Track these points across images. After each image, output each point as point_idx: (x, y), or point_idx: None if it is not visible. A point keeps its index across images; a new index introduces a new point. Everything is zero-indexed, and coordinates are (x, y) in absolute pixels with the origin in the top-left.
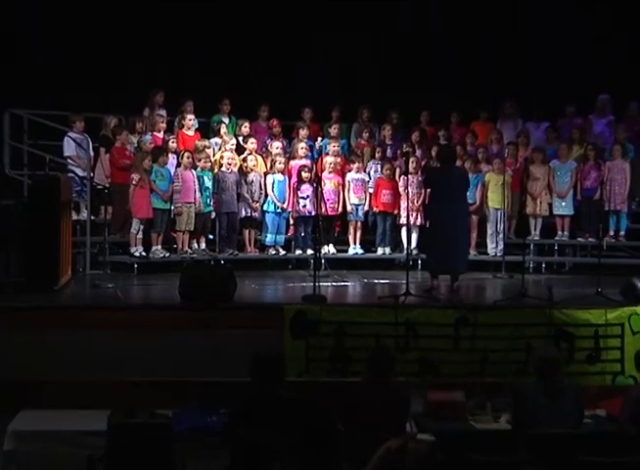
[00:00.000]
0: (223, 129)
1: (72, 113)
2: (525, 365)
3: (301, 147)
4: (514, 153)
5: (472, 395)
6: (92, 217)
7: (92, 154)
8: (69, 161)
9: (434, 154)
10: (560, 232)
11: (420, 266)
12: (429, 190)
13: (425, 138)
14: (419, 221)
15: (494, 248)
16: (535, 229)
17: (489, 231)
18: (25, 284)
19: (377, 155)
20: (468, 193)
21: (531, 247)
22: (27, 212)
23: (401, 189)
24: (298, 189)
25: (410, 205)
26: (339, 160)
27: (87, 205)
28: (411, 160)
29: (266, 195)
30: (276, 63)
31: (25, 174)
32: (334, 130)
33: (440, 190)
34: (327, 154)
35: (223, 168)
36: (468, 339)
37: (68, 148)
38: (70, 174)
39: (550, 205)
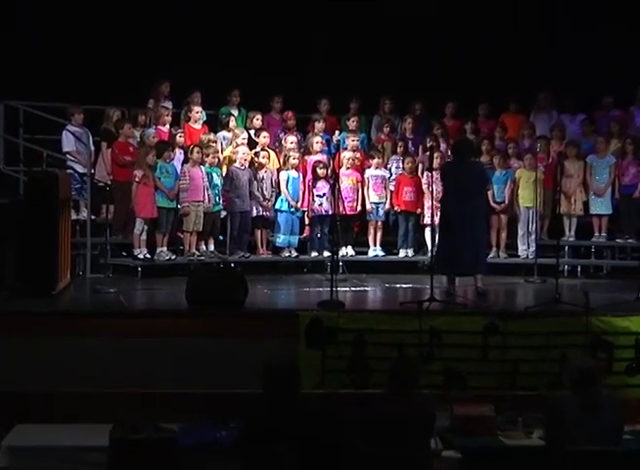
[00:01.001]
0: (232, 122)
1: (72, 104)
2: (559, 377)
3: (317, 141)
4: (546, 147)
5: (501, 409)
6: (92, 217)
7: (92, 149)
8: (68, 156)
9: None
10: (597, 233)
11: None
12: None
13: (447, 131)
14: None
15: (526, 250)
16: (570, 230)
17: (520, 232)
18: (21, 288)
19: (398, 149)
20: (496, 191)
21: (566, 249)
22: (23, 212)
23: (425, 186)
24: (314, 186)
25: (434, 203)
26: (358, 155)
27: (87, 203)
28: (435, 155)
29: (279, 193)
30: (290, 50)
31: (21, 171)
32: (352, 123)
33: (453, 186)
34: (345, 148)
35: (237, 164)
36: (497, 348)
37: (67, 142)
38: (69, 171)
39: (586, 203)
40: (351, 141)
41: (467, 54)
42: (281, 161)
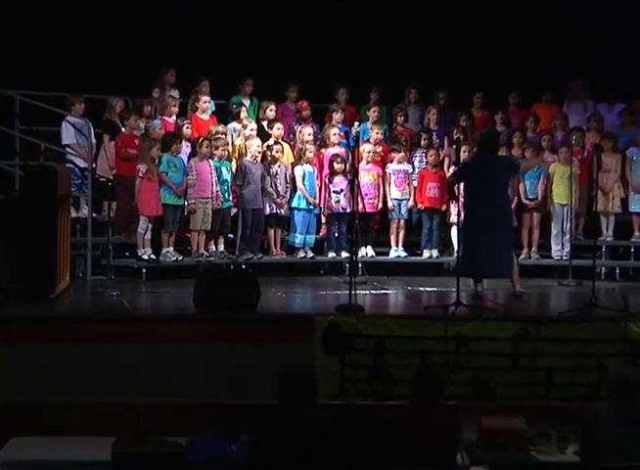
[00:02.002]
0: (243, 113)
1: (72, 94)
2: (595, 388)
3: (334, 133)
4: (582, 140)
5: (533, 421)
6: (94, 215)
7: (94, 141)
8: (68, 149)
9: None
10: (636, 232)
11: None
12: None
13: (473, 123)
14: None
15: (560, 250)
16: (607, 229)
17: (554, 231)
18: (17, 291)
19: (422, 142)
20: (528, 187)
21: (603, 249)
22: (19, 209)
23: None
24: (331, 182)
25: (462, 200)
26: (379, 148)
27: (88, 200)
28: (462, 148)
29: (293, 189)
30: (305, 36)
31: (17, 165)
32: (374, 114)
33: (475, 183)
34: (367, 140)
35: (248, 157)
36: (529, 356)
37: (67, 134)
38: (69, 165)
39: (624, 200)
40: (375, 133)
41: (496, 40)
42: (295, 154)
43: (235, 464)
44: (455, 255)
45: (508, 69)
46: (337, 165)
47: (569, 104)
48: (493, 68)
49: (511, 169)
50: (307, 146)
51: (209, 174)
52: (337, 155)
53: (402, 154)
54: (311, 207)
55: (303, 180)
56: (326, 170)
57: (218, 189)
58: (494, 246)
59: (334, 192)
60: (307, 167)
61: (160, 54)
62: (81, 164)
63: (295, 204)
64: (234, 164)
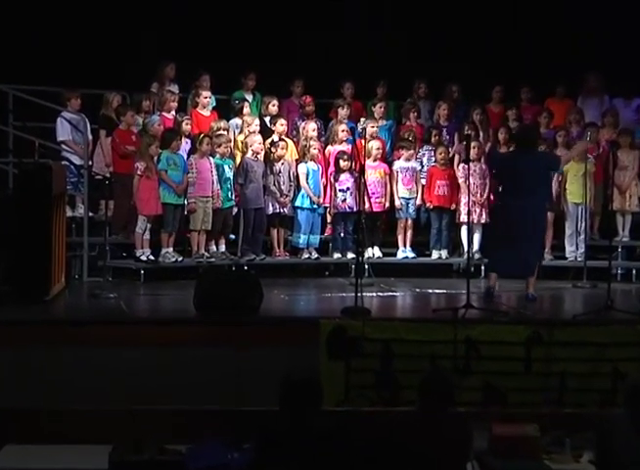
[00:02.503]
0: (246, 108)
1: (67, 89)
2: (611, 393)
3: (342, 129)
4: (597, 136)
5: (547, 429)
6: (90, 214)
7: (90, 138)
8: (63, 146)
9: (501, 137)
10: None
11: (483, 273)
12: (495, 180)
13: (488, 118)
14: (483, 219)
15: (574, 251)
16: (624, 229)
17: (568, 231)
18: (10, 294)
19: (433, 139)
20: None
21: (619, 250)
22: (13, 208)
23: (461, 180)
24: (337, 180)
25: (472, 199)
26: (378, 144)
27: (84, 199)
28: (473, 144)
29: (297, 188)
30: (309, 29)
31: (11, 162)
32: (379, 109)
33: (510, 180)
34: (375, 137)
35: (249, 155)
36: (542, 361)
37: (62, 131)
38: (64, 162)
39: None
40: (370, 127)
41: (508, 32)
42: (299, 151)
43: None
44: (465, 255)
45: (520, 62)
46: (343, 163)
47: (583, 99)
48: (504, 61)
49: (551, 165)
50: (311, 142)
51: (210, 172)
52: (343, 152)
53: (410, 151)
54: (315, 206)
55: (307, 178)
56: (332, 168)
57: (219, 187)
58: (527, 246)
59: (340, 190)
60: (311, 165)
61: (160, 47)
62: (77, 161)
63: (298, 203)
64: (238, 159)
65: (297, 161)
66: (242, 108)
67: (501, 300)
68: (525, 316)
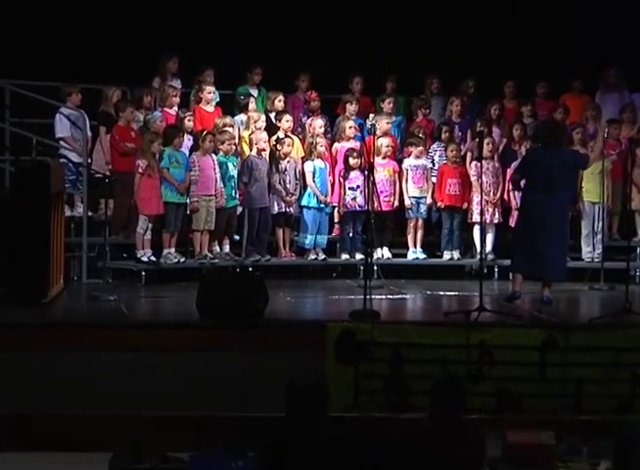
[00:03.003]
0: (252, 104)
1: (66, 83)
2: (630, 399)
3: (350, 126)
4: (616, 132)
5: (563, 436)
6: (89, 213)
7: (90, 135)
8: (62, 143)
9: (515, 134)
10: None
11: (497, 275)
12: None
13: (504, 114)
14: (496, 219)
15: (591, 252)
16: None
17: (584, 231)
18: (7, 296)
19: (444, 135)
20: None
21: (638, 251)
22: (10, 207)
23: (473, 178)
24: (346, 178)
25: (485, 198)
26: (389, 141)
27: (83, 197)
28: (486, 141)
29: (303, 186)
30: (317, 21)
31: (7, 160)
32: (388, 105)
33: (535, 176)
34: (382, 134)
35: (254, 152)
36: (558, 366)
37: (61, 127)
38: (63, 160)
39: None
40: (384, 124)
41: (522, 25)
42: (306, 148)
43: None
44: (478, 256)
45: (535, 56)
46: (353, 160)
47: (602, 94)
48: (519, 56)
49: (578, 163)
50: (318, 139)
51: (213, 170)
52: (352, 149)
53: (420, 148)
54: (322, 205)
55: (314, 176)
56: (340, 166)
57: (222, 186)
58: (550, 246)
59: (349, 188)
60: (318, 163)
61: (162, 40)
62: (76, 158)
63: (304, 202)
64: (244, 157)
65: (302, 158)
66: (247, 104)
67: (515, 302)
68: (541, 320)
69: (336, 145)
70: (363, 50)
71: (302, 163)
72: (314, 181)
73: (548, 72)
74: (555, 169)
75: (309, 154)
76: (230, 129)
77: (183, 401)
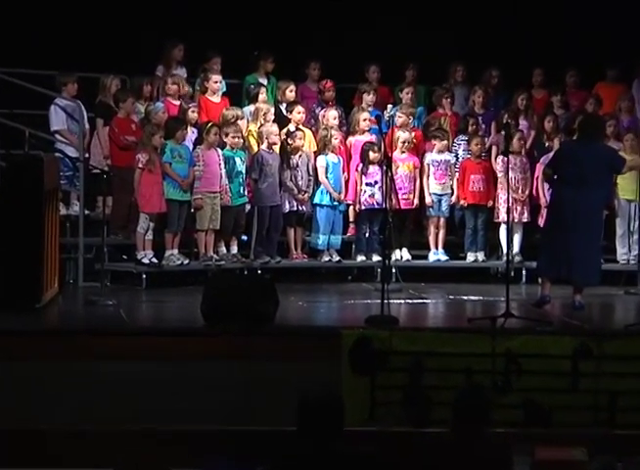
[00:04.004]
0: (262, 94)
1: (61, 72)
2: None
3: (363, 118)
4: None
5: (596, 452)
6: (86, 212)
7: (87, 127)
8: (57, 136)
9: (547, 127)
10: None
11: (524, 278)
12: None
13: (532, 105)
14: (524, 217)
15: (626, 253)
16: None
17: (619, 231)
18: None
19: (470, 128)
20: None
21: None
22: (1, 205)
23: (500, 174)
24: (364, 173)
25: (512, 195)
26: (412, 134)
27: (80, 195)
28: (517, 135)
29: (316, 183)
30: (329, 4)
31: None
32: (407, 95)
33: (567, 172)
34: (406, 126)
35: (264, 146)
36: (590, 376)
37: (57, 119)
38: (58, 154)
39: None
40: (400, 117)
41: (551, 9)
42: (318, 142)
43: None
44: (504, 258)
45: (565, 42)
46: (372, 154)
47: (638, 83)
48: (548, 42)
49: (613, 164)
50: (332, 132)
51: (218, 165)
52: (371, 142)
53: (445, 142)
54: (336, 203)
55: (327, 172)
56: (356, 160)
57: (227, 182)
58: (579, 247)
59: (367, 184)
60: (331, 157)
61: (164, 26)
62: (72, 153)
63: (317, 199)
64: (253, 151)
65: (315, 153)
66: (257, 93)
67: (545, 308)
68: (572, 326)
69: (350, 138)
70: (380, 35)
71: (315, 157)
72: (327, 177)
73: (580, 60)
74: (589, 165)
75: (322, 148)
76: (241, 122)
77: (187, 414)
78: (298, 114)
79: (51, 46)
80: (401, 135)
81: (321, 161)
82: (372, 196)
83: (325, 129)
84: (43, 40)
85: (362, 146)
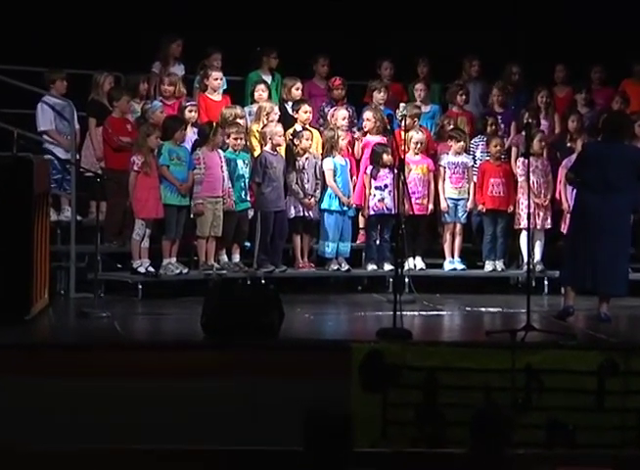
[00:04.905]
0: (264, 92)
1: (51, 69)
2: None
3: (367, 117)
4: None
5: None
6: (78, 218)
7: (77, 127)
8: (46, 137)
9: (571, 127)
10: None
11: (546, 288)
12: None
13: (554, 103)
14: (547, 224)
15: None
16: None
17: None
18: None
19: (488, 128)
20: None
21: None
22: None
23: (521, 178)
24: (374, 176)
25: (534, 200)
26: (423, 135)
27: (72, 199)
28: (538, 135)
29: (324, 186)
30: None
31: None
32: (418, 92)
33: (591, 174)
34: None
35: (267, 148)
36: (617, 394)
37: (44, 119)
38: (48, 156)
39: None
40: (411, 116)
41: (574, 1)
42: (325, 143)
43: None
44: (525, 267)
45: (590, 36)
46: (386, 157)
47: None
48: (572, 35)
49: (634, 165)
50: (339, 133)
51: (220, 168)
52: (381, 144)
53: (461, 143)
54: (345, 208)
55: (335, 175)
56: (366, 162)
57: (230, 186)
58: (605, 255)
59: (376, 188)
60: (339, 160)
61: (161, 19)
62: (62, 154)
63: (325, 205)
64: (257, 153)
65: (322, 155)
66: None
67: (568, 320)
68: (598, 340)
69: (359, 139)
70: (393, 29)
71: (322, 159)
72: (335, 181)
73: (605, 55)
74: (614, 167)
75: (329, 149)
76: (241, 121)
77: (186, 433)
78: (305, 113)
79: (40, 41)
80: (414, 136)
81: (328, 163)
82: (381, 200)
83: (331, 130)
84: (33, 35)
85: (373, 147)
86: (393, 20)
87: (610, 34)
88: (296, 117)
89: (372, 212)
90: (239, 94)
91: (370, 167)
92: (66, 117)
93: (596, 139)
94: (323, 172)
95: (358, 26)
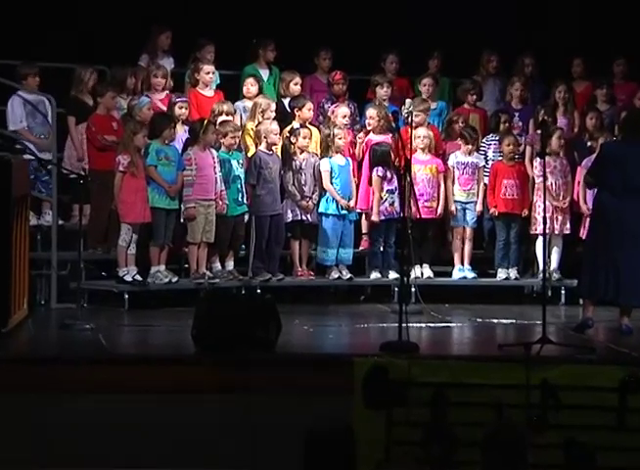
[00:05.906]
0: (255, 87)
1: (24, 62)
2: None
3: (379, 115)
4: None
5: None
6: (60, 222)
7: (50, 124)
8: (20, 136)
9: (590, 124)
10: None
11: (564, 298)
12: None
13: (573, 99)
14: (566, 229)
15: None
16: None
17: None
18: None
19: (502, 126)
20: None
21: None
22: None
23: (538, 180)
24: (385, 179)
25: (551, 203)
26: (430, 133)
27: (52, 203)
28: (557, 133)
29: (323, 189)
30: None
31: None
32: (424, 88)
33: (612, 176)
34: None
35: (262, 147)
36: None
37: (13, 117)
38: (27, 157)
39: None
40: (417, 115)
41: None
42: (322, 142)
43: None
44: (540, 276)
45: (611, 27)
46: (393, 156)
47: None
48: (591, 26)
49: None
50: (336, 131)
51: (213, 169)
52: (383, 143)
53: (470, 146)
54: (345, 211)
55: (332, 177)
56: (368, 164)
57: (223, 188)
58: (626, 263)
59: (388, 191)
60: (337, 159)
61: (149, 9)
62: (43, 154)
63: (322, 208)
64: (251, 152)
65: (321, 154)
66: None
67: (587, 333)
68: (619, 354)
69: (361, 137)
70: (400, 20)
71: (321, 159)
72: (332, 182)
73: (627, 47)
74: (635, 169)
75: (325, 149)
76: (231, 118)
77: (176, 455)
78: (309, 110)
79: (12, 33)
80: (421, 133)
81: (324, 164)
82: (392, 204)
83: (328, 127)
84: (6, 25)
85: (372, 146)
86: (399, 10)
87: (632, 25)
88: (297, 114)
89: (382, 217)
90: (234, 90)
91: (380, 169)
92: (42, 113)
93: (614, 138)
94: (321, 174)
95: (364, 16)
